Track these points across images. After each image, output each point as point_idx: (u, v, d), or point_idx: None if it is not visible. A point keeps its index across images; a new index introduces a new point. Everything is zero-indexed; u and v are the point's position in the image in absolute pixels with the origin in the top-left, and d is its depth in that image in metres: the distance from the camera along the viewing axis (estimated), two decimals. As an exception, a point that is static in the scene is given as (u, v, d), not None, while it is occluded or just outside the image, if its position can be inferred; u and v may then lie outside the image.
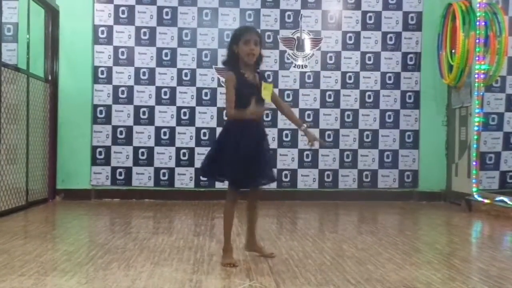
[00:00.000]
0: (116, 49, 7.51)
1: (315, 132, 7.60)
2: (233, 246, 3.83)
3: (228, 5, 7.60)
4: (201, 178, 7.37)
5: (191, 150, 7.54)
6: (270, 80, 3.76)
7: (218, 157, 3.67)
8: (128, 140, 7.51)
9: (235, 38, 3.68)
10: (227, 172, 3.66)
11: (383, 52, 7.72)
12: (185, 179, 7.53)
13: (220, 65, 7.51)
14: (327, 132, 7.64)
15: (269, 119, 7.48)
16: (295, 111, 7.54)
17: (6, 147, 5.88)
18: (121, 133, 7.50)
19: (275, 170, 3.97)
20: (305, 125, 3.87)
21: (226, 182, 3.80)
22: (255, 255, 3.93)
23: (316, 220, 6.22)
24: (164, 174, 7.52)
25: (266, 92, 3.65)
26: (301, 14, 7.67)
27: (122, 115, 7.50)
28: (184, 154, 7.54)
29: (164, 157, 7.52)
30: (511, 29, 6.88)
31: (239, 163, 3.59)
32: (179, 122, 7.54)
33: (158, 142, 7.53)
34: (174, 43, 7.57)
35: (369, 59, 7.71)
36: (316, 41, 7.68)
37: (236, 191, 3.74)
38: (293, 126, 7.46)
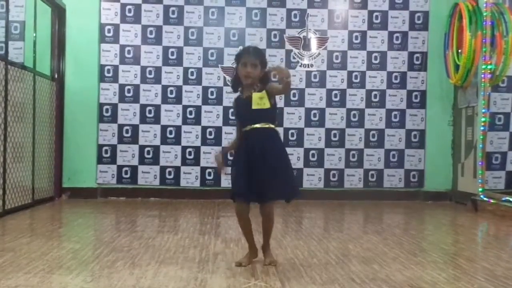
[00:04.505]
0: (122, 47, 7.53)
1: (321, 131, 7.61)
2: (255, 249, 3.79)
3: (235, 4, 7.60)
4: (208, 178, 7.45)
5: (197, 149, 7.54)
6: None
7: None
8: (134, 139, 7.52)
9: (237, 60, 3.71)
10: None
11: (389, 51, 7.71)
12: (190, 177, 7.54)
13: (226, 64, 7.53)
14: (333, 132, 7.63)
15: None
16: (301, 111, 7.57)
17: (13, 145, 5.90)
18: (127, 131, 7.51)
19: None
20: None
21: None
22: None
23: (322, 220, 6.22)
24: (170, 173, 7.53)
25: (258, 100, 3.59)
26: (308, 13, 7.66)
27: (128, 114, 7.52)
28: (190, 153, 7.55)
29: (170, 155, 7.53)
30: (518, 29, 6.87)
31: (232, 175, 3.71)
32: (185, 121, 7.55)
33: (164, 140, 7.54)
34: (180, 42, 7.57)
35: (375, 58, 7.70)
36: (322, 40, 7.67)
37: (238, 203, 3.66)
38: (299, 126, 7.55)
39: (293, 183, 3.80)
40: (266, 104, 3.60)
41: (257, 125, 3.60)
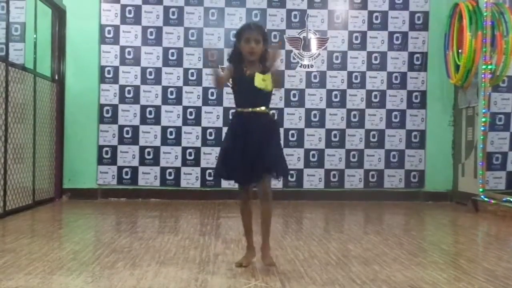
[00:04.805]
0: (122, 48, 7.53)
1: (321, 132, 7.61)
2: (253, 247, 3.72)
3: (235, 4, 7.61)
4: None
5: (197, 150, 7.54)
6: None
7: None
8: (135, 140, 7.52)
9: (238, 36, 3.66)
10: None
11: (389, 52, 7.71)
12: (191, 178, 7.54)
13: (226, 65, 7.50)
14: (333, 132, 7.63)
15: (275, 119, 7.49)
16: (301, 111, 7.57)
17: (13, 146, 5.90)
18: (127, 132, 7.51)
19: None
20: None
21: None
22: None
23: (322, 220, 6.22)
24: (170, 174, 7.53)
25: (261, 81, 3.51)
26: (308, 14, 7.66)
27: (129, 115, 7.52)
28: (190, 154, 7.55)
29: (170, 156, 7.53)
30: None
31: (221, 154, 3.67)
32: (185, 122, 7.55)
33: (164, 141, 7.54)
34: (181, 43, 7.58)
35: (376, 59, 7.70)
36: (322, 41, 7.68)
37: (240, 189, 3.71)
38: (299, 126, 7.55)
39: (284, 163, 3.72)
40: (269, 86, 3.56)
41: (257, 109, 3.57)
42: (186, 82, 7.56)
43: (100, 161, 7.50)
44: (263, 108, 3.60)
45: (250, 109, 3.58)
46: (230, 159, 3.58)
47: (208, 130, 7.54)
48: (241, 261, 3.64)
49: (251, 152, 3.50)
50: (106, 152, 7.50)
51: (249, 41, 3.57)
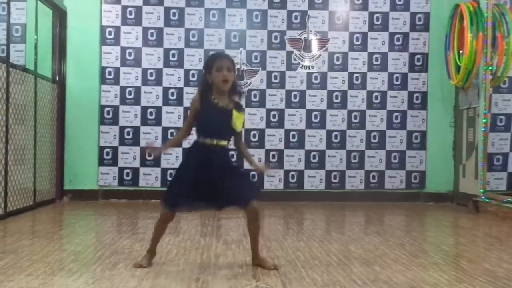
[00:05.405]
0: (123, 49, 7.54)
1: (322, 133, 7.61)
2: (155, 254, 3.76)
3: (235, 5, 7.61)
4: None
5: (198, 151, 7.53)
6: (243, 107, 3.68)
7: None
8: (135, 141, 7.52)
9: (207, 66, 3.58)
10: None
11: (390, 52, 7.71)
12: (192, 179, 7.52)
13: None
14: (334, 133, 7.63)
15: (276, 120, 7.51)
16: (302, 112, 7.57)
17: (14, 148, 5.90)
18: (128, 133, 7.51)
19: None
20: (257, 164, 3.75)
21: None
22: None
23: (323, 221, 6.22)
24: (171, 175, 7.53)
25: (238, 121, 3.55)
26: (308, 15, 7.66)
27: (129, 116, 7.52)
28: (191, 155, 7.53)
29: (171, 157, 7.53)
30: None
31: (176, 181, 3.64)
32: (186, 123, 7.54)
33: (165, 142, 7.52)
34: (181, 44, 7.58)
35: (376, 59, 7.70)
36: (323, 42, 7.68)
37: (166, 209, 3.67)
38: (300, 127, 7.55)
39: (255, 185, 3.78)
40: (239, 127, 3.58)
41: (220, 142, 3.56)
42: (187, 83, 7.56)
43: (101, 162, 7.50)
44: (225, 142, 3.59)
45: (214, 141, 3.55)
46: (189, 186, 3.50)
47: (209, 131, 7.52)
48: (141, 262, 3.62)
49: (216, 183, 3.47)
50: (107, 153, 7.50)
51: (221, 69, 3.52)
